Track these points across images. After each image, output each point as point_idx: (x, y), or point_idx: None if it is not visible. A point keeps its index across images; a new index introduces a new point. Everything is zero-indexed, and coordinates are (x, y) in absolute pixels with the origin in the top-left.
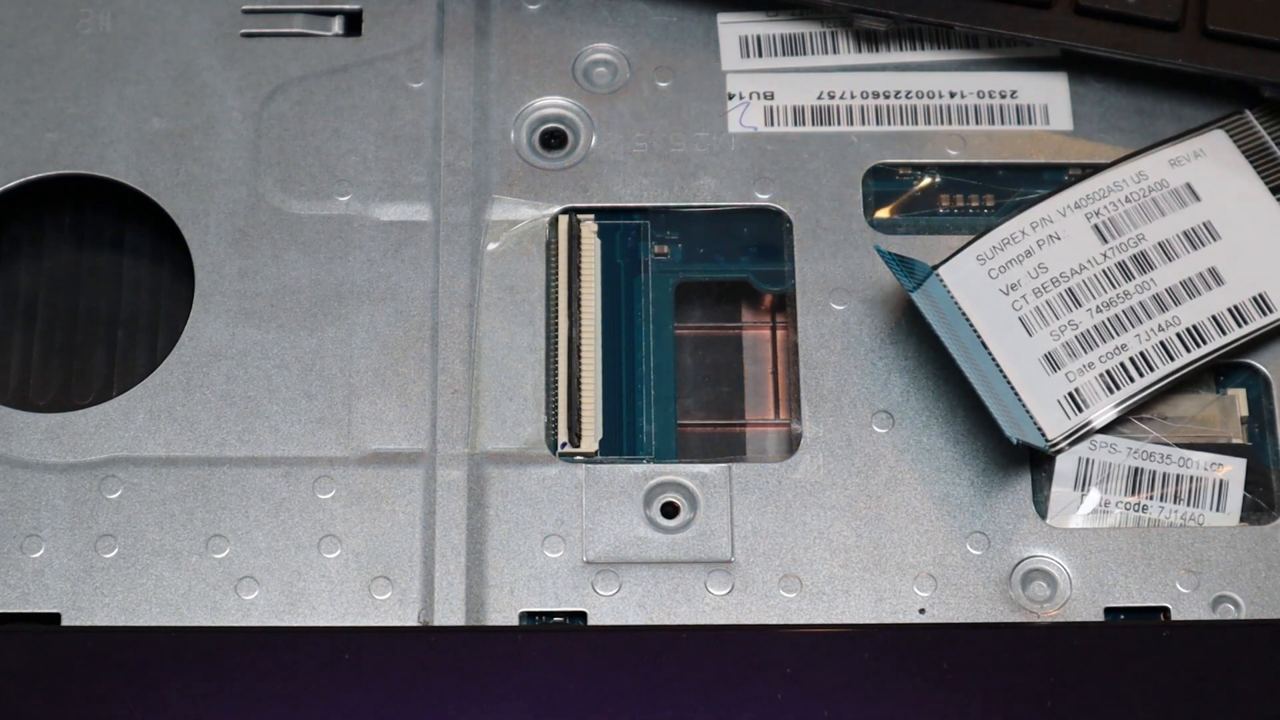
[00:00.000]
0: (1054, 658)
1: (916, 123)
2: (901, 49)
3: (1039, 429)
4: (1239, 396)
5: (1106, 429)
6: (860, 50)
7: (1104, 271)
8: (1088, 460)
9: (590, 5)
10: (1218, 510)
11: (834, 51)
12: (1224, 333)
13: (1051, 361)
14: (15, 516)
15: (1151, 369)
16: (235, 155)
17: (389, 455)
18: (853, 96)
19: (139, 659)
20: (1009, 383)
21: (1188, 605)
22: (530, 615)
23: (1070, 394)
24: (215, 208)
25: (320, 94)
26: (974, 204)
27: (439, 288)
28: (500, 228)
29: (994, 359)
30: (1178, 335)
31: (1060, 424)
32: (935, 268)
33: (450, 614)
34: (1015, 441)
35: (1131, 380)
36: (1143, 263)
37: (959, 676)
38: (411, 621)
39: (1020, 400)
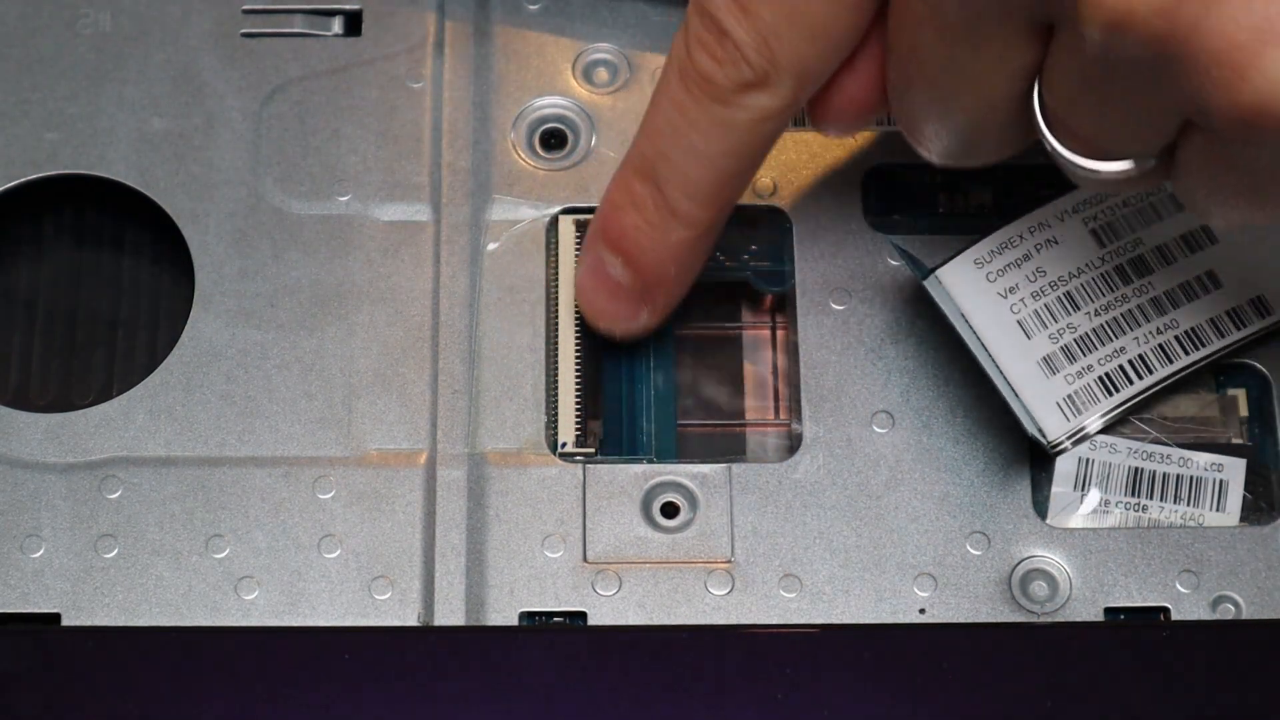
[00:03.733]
0: (1054, 658)
1: None
2: None
3: (1039, 429)
4: (1239, 396)
5: (1107, 429)
6: None
7: (1102, 275)
8: (1088, 460)
9: (590, 5)
10: (1218, 510)
11: None
12: (1222, 335)
13: (1050, 364)
14: (15, 516)
15: (1150, 372)
16: (235, 155)
17: (389, 455)
18: None
19: (139, 659)
20: (1009, 384)
21: (1188, 605)
22: (530, 615)
23: (1069, 396)
24: (215, 208)
25: (320, 94)
26: (974, 205)
27: (439, 288)
28: (500, 228)
29: (994, 360)
30: (1176, 338)
31: (1060, 425)
32: (933, 270)
33: (450, 614)
34: (1031, 436)
35: (1130, 383)
36: (1140, 267)
37: (959, 676)
38: (411, 621)
39: (1021, 401)
